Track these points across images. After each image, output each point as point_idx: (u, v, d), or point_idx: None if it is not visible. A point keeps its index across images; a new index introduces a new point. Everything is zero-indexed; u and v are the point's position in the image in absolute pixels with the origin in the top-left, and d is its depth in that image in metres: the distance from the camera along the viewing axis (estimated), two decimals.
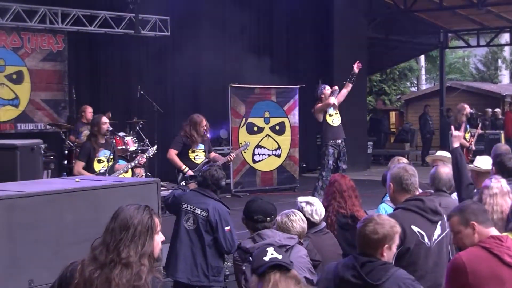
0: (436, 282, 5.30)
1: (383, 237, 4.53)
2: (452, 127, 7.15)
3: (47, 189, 5.92)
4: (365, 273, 4.44)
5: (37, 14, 14.80)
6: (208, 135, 11.44)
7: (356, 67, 13.35)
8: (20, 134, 14.55)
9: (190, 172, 10.79)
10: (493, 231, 4.91)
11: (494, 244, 4.75)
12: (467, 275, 4.65)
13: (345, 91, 13.40)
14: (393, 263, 4.71)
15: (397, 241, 4.65)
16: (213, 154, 11.38)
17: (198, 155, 11.03)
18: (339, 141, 13.16)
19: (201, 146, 11.05)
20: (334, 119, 13.17)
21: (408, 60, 33.86)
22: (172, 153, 10.94)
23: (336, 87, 13.27)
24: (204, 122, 11.08)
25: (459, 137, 6.94)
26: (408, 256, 5.19)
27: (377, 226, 4.56)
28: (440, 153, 9.16)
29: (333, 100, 13.05)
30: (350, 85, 13.42)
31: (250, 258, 5.19)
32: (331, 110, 13.13)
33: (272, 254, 3.88)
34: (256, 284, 3.80)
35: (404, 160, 8.02)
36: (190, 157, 10.96)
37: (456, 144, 6.79)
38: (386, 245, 4.54)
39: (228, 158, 11.49)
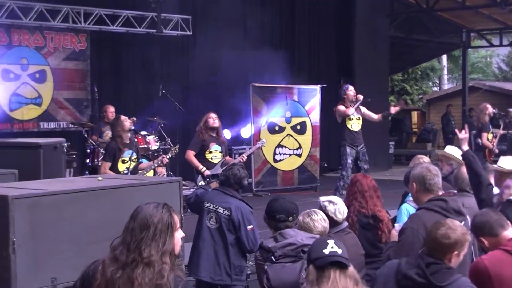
0: None
1: (454, 243, 4.45)
2: (456, 130, 6.99)
3: (70, 188, 5.94)
4: (429, 274, 4.38)
5: (60, 13, 14.86)
6: (224, 138, 11.57)
7: (393, 110, 13.31)
8: (43, 133, 14.60)
9: (208, 172, 10.86)
10: (510, 233, 4.86)
11: None
12: (491, 279, 4.61)
13: (374, 117, 13.42)
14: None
15: (466, 249, 4.57)
16: (227, 158, 11.45)
17: (215, 156, 11.12)
18: (357, 144, 13.16)
19: (217, 147, 11.13)
20: (354, 124, 13.15)
21: (430, 60, 33.71)
22: (190, 154, 11.10)
23: (361, 96, 13.21)
24: (211, 114, 11.20)
25: (466, 138, 6.80)
26: None
27: (449, 231, 4.47)
28: (449, 149, 8.97)
29: (351, 111, 13.04)
30: (380, 118, 13.45)
31: (272, 257, 5.20)
32: (352, 115, 13.11)
33: (332, 247, 3.82)
34: (315, 276, 3.77)
35: (426, 158, 7.98)
36: (207, 157, 11.10)
37: (465, 147, 6.65)
38: (456, 252, 4.48)
39: (240, 159, 11.47)
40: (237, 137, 17.29)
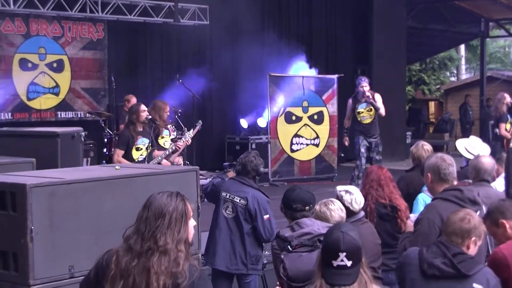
0: None
1: (473, 228, 4.47)
2: None
3: (87, 177, 5.96)
4: (457, 263, 4.39)
5: (78, 3, 14.91)
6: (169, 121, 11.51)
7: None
8: (60, 122, 14.67)
9: (157, 152, 10.53)
10: None
11: None
12: (509, 269, 4.61)
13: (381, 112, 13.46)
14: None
15: (482, 239, 4.59)
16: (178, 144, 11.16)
17: (167, 141, 11.01)
18: (369, 135, 13.18)
19: (166, 132, 11.05)
20: (363, 116, 13.19)
21: (448, 50, 33.51)
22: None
23: (369, 96, 13.14)
24: (168, 108, 11.12)
25: None
26: None
27: (468, 216, 4.51)
28: (473, 140, 8.90)
29: (347, 124, 13.47)
30: (382, 113, 13.45)
31: (289, 246, 5.21)
32: (360, 108, 13.14)
33: (342, 260, 3.68)
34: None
35: (428, 146, 8.00)
36: (160, 143, 10.86)
37: None
38: (474, 238, 4.49)
39: (186, 143, 10.98)
40: (253, 126, 17.31)
